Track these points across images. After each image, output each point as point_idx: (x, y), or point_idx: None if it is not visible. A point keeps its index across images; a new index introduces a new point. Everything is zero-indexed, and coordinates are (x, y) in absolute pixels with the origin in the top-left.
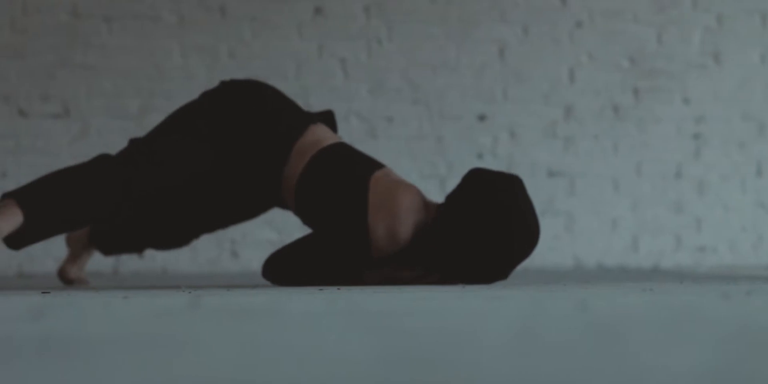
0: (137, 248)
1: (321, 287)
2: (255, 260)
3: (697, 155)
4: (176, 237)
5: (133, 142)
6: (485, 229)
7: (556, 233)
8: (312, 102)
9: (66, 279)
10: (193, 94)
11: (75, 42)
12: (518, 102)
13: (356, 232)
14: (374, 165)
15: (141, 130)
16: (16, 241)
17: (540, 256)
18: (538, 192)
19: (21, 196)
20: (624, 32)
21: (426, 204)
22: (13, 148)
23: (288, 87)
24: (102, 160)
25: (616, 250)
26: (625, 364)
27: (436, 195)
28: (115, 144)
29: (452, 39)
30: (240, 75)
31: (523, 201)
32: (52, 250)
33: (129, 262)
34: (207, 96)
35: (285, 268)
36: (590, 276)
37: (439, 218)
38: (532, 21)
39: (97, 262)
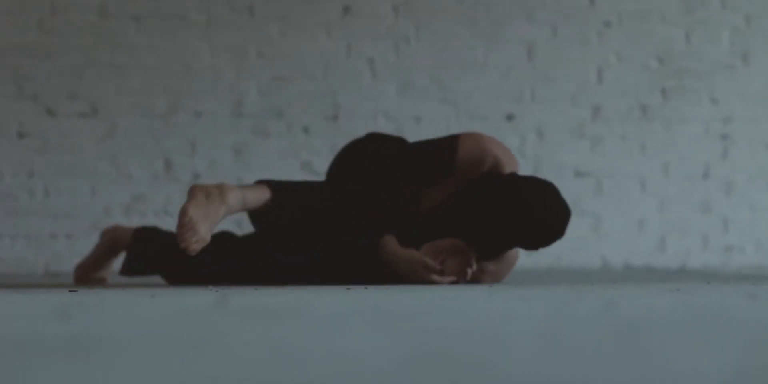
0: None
1: (348, 286)
2: None
3: (725, 156)
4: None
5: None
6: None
7: (584, 233)
8: (340, 102)
9: (83, 277)
10: (221, 93)
11: (103, 41)
12: (546, 102)
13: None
14: None
15: (168, 129)
16: (258, 217)
17: (567, 256)
18: (565, 192)
19: (272, 183)
20: (652, 32)
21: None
22: (40, 147)
23: (316, 87)
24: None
25: (643, 250)
26: (652, 365)
27: None
28: (143, 143)
29: (480, 39)
30: (267, 74)
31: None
32: (79, 249)
33: None
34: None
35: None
36: (617, 276)
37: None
38: (560, 21)
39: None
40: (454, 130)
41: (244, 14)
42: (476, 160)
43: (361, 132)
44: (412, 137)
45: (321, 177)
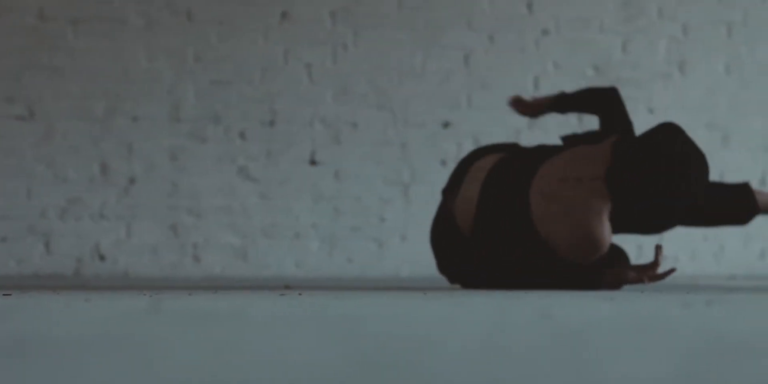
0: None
1: (283, 292)
2: (217, 265)
3: None
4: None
5: None
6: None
7: None
8: (277, 106)
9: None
10: (159, 97)
11: (41, 44)
12: (483, 109)
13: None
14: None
15: (105, 132)
16: None
17: None
18: None
19: None
20: (590, 41)
21: None
22: None
23: (253, 91)
24: None
25: None
26: (587, 372)
27: (400, 202)
28: (80, 146)
29: (418, 45)
30: (205, 79)
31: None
32: (14, 251)
33: (91, 265)
34: None
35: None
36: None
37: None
38: (498, 29)
39: (58, 264)
40: (391, 136)
41: (183, 18)
42: None
43: (297, 137)
44: (349, 143)
45: (256, 182)
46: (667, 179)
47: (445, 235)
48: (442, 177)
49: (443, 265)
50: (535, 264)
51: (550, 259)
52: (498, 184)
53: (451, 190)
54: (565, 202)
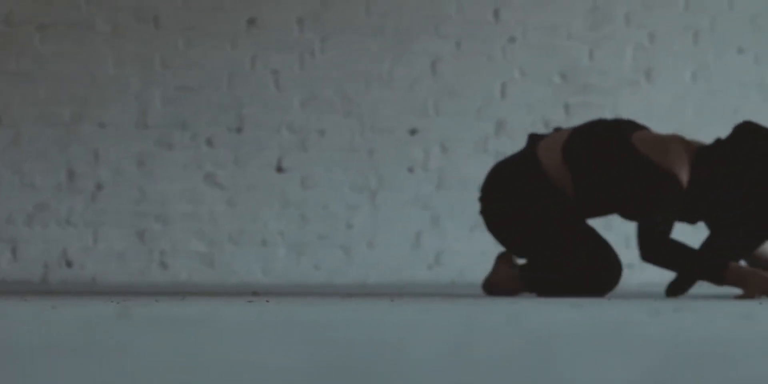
0: None
1: (250, 299)
2: (184, 271)
3: None
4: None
5: None
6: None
7: (486, 248)
8: (244, 113)
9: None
10: (126, 103)
11: (8, 50)
12: (450, 116)
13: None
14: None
15: (72, 138)
16: None
17: (470, 271)
18: (467, 207)
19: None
20: (557, 48)
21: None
22: None
23: (220, 97)
24: None
25: None
26: (555, 379)
27: (367, 209)
28: (46, 152)
29: (385, 52)
30: (172, 85)
31: None
32: None
33: (58, 271)
34: None
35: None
36: None
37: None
38: (466, 35)
39: (25, 270)
40: (358, 143)
41: (150, 24)
42: None
43: (265, 144)
44: (316, 150)
45: (223, 189)
46: (748, 176)
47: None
48: (409, 183)
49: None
50: (655, 194)
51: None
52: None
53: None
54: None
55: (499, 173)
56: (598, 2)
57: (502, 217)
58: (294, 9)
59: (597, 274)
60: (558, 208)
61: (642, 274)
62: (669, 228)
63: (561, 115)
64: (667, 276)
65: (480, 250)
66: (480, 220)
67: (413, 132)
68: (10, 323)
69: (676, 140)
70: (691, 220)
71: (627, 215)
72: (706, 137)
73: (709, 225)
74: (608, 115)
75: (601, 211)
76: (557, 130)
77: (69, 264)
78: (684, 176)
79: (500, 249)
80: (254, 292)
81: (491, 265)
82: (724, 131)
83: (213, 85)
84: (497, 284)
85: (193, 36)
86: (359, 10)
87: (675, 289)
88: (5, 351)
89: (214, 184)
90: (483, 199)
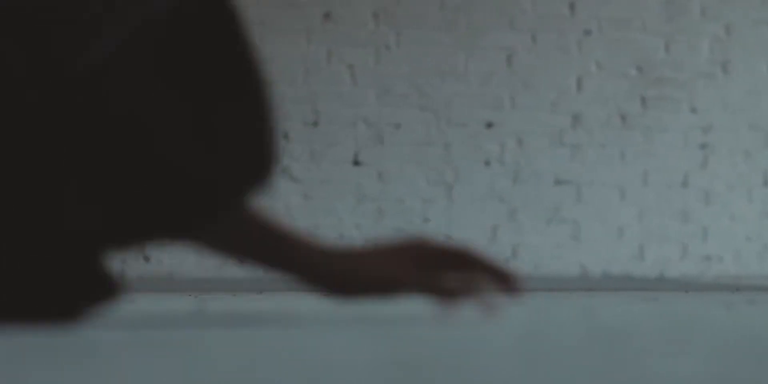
0: None
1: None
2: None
3: (704, 164)
4: None
5: None
6: None
7: (563, 241)
8: (319, 108)
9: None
10: None
11: None
12: (526, 110)
13: None
14: None
15: None
16: None
17: (545, 264)
18: (544, 200)
19: None
20: (632, 41)
21: None
22: None
23: (296, 92)
24: None
25: (622, 258)
26: (629, 372)
27: (443, 203)
28: None
29: (460, 46)
30: None
31: None
32: None
33: (135, 266)
34: None
35: None
36: (596, 284)
37: None
38: (541, 29)
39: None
40: (434, 136)
41: None
42: None
43: (340, 138)
44: (391, 144)
45: (299, 183)
46: None
47: None
48: (485, 177)
49: None
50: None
51: None
52: None
53: None
54: None
55: None
56: None
57: None
58: (368, 3)
59: None
60: None
61: (719, 267)
62: None
63: (637, 109)
64: (743, 268)
65: (556, 244)
66: (556, 213)
67: (489, 125)
68: (91, 317)
69: None
70: None
71: None
72: None
73: None
74: (684, 108)
75: None
76: None
77: (146, 259)
78: None
79: (579, 242)
80: None
81: (567, 258)
82: None
83: (289, 80)
84: None
85: (269, 30)
86: (433, 4)
87: None
88: (85, 346)
89: (290, 178)
90: None
